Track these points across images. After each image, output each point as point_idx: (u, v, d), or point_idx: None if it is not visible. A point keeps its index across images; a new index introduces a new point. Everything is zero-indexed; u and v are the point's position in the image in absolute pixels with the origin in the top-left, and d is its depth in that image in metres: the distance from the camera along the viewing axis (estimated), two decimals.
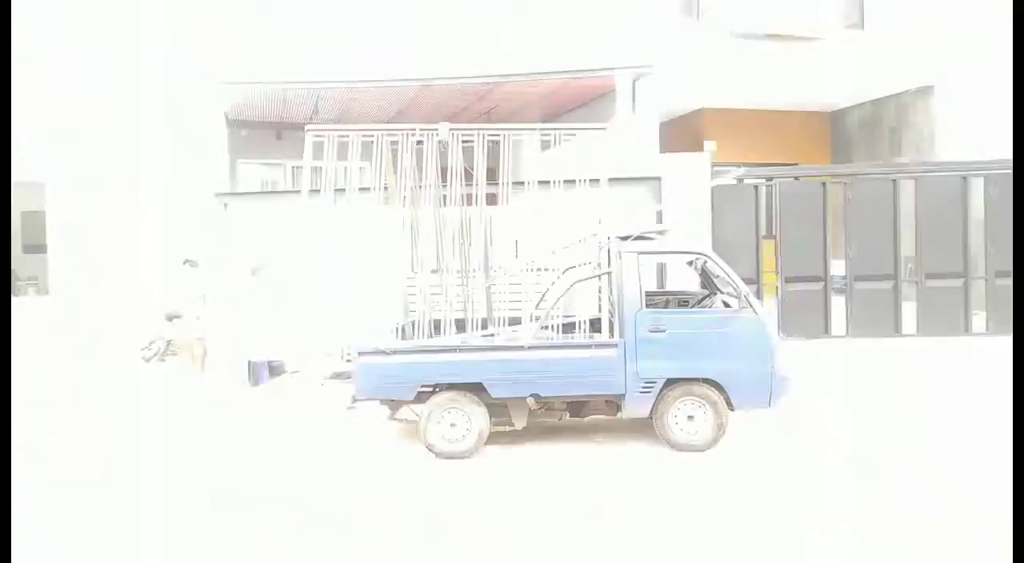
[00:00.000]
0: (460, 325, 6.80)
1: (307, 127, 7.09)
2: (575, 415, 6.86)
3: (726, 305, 6.78)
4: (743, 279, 6.73)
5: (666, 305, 7.37)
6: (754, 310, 6.47)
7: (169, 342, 11.12)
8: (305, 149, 6.97)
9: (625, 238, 6.71)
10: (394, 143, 6.93)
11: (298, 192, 7.15)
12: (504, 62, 14.21)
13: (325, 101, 12.35)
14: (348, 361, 6.62)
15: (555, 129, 7.08)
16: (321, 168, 6.81)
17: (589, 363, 6.41)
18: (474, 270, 7.43)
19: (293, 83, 11.67)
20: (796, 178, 12.16)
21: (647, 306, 6.55)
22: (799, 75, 13.55)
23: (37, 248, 14.57)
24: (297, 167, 14.11)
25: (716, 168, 10.73)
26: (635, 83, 12.28)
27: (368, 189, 6.99)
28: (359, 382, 6.53)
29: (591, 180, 6.89)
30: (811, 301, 10.93)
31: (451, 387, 6.50)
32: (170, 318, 11.25)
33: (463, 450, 6.38)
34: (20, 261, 14.48)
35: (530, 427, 6.68)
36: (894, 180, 11.17)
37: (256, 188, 14.61)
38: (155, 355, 11.02)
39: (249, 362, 9.51)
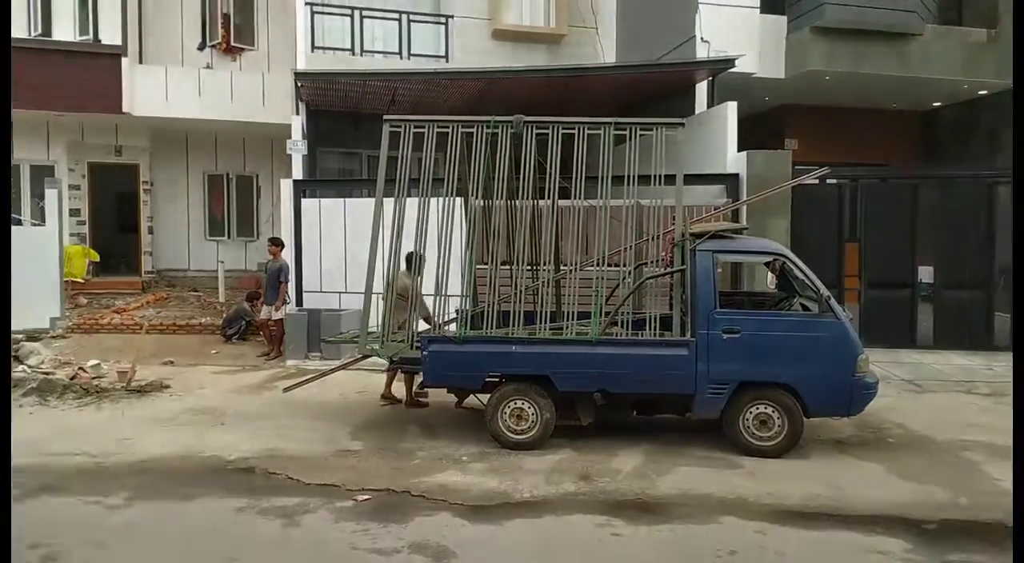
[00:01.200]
0: (529, 317, 6.79)
1: (384, 117, 7.20)
2: (643, 413, 6.76)
3: (805, 308, 6.55)
4: (823, 283, 6.48)
5: (741, 306, 7.17)
6: (835, 314, 6.23)
7: (248, 322, 11.54)
8: (383, 139, 7.07)
9: (701, 236, 6.56)
10: (468, 134, 6.96)
11: (373, 181, 7.27)
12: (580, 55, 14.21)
13: (403, 92, 12.50)
14: (417, 348, 6.69)
15: (631, 123, 6.96)
16: (396, 157, 6.90)
17: (659, 361, 6.30)
18: (544, 263, 7.40)
19: (372, 74, 11.86)
20: (883, 179, 11.65)
21: (721, 306, 6.39)
22: (888, 72, 12.96)
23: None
24: (373, 156, 14.40)
25: (798, 167, 10.37)
26: (716, 78, 11.99)
27: (442, 179, 7.04)
28: (427, 369, 6.62)
29: (667, 176, 6.75)
30: (896, 308, 10.46)
31: (518, 378, 6.51)
32: (251, 298, 11.67)
33: (528, 441, 6.37)
34: None
35: (597, 423, 6.62)
36: (990, 184, 10.56)
37: (333, 176, 15.01)
38: (236, 333, 11.44)
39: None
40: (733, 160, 10.70)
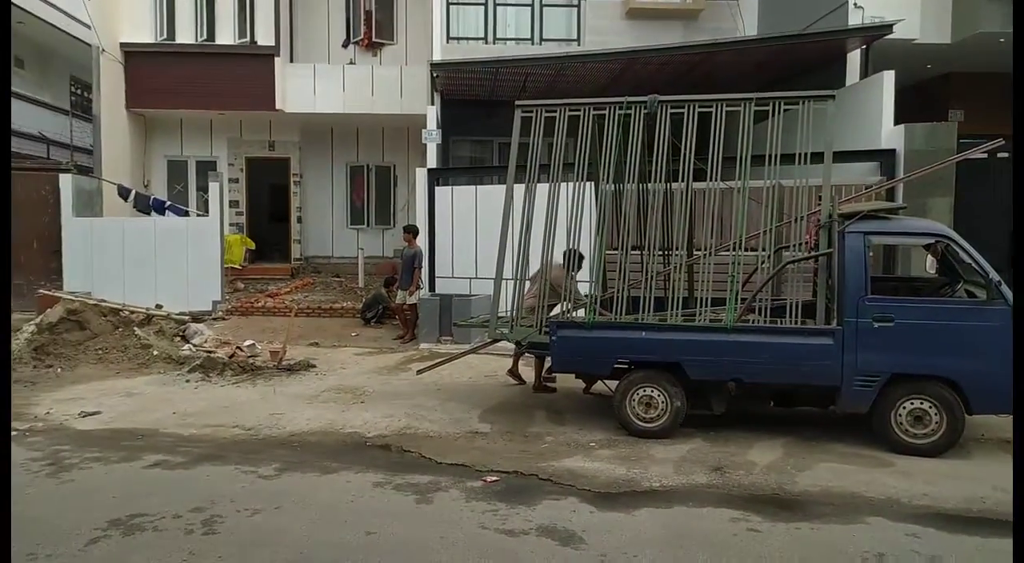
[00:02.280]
0: (660, 304, 6.60)
1: (516, 103, 7.22)
2: (781, 405, 6.41)
3: (970, 295, 5.93)
4: (992, 267, 5.82)
5: (895, 292, 6.60)
6: (1006, 301, 5.59)
7: (385, 307, 12.07)
8: (514, 125, 7.10)
9: (851, 217, 6.08)
10: (600, 117, 6.83)
11: (505, 167, 7.32)
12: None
13: (533, 78, 12.51)
14: (545, 333, 6.69)
15: (774, 97, 6.55)
16: (527, 144, 6.91)
17: (800, 350, 5.94)
18: (677, 248, 7.17)
19: (504, 61, 11.96)
20: None
21: (873, 292, 5.91)
22: None
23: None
24: (504, 144, 14.57)
25: (963, 140, 9.38)
26: (870, 46, 11.07)
27: (572, 164, 6.97)
28: (555, 355, 6.61)
29: (814, 154, 6.31)
30: None
31: (647, 365, 6.36)
32: (388, 284, 12.20)
33: (657, 429, 6.22)
34: None
35: (730, 413, 6.35)
36: None
37: (465, 164, 15.34)
38: (374, 316, 12.01)
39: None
40: (889, 134, 9.85)
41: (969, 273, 6.04)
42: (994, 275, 5.68)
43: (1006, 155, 9.79)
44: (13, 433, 6.41)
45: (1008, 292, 5.68)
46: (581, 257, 7.00)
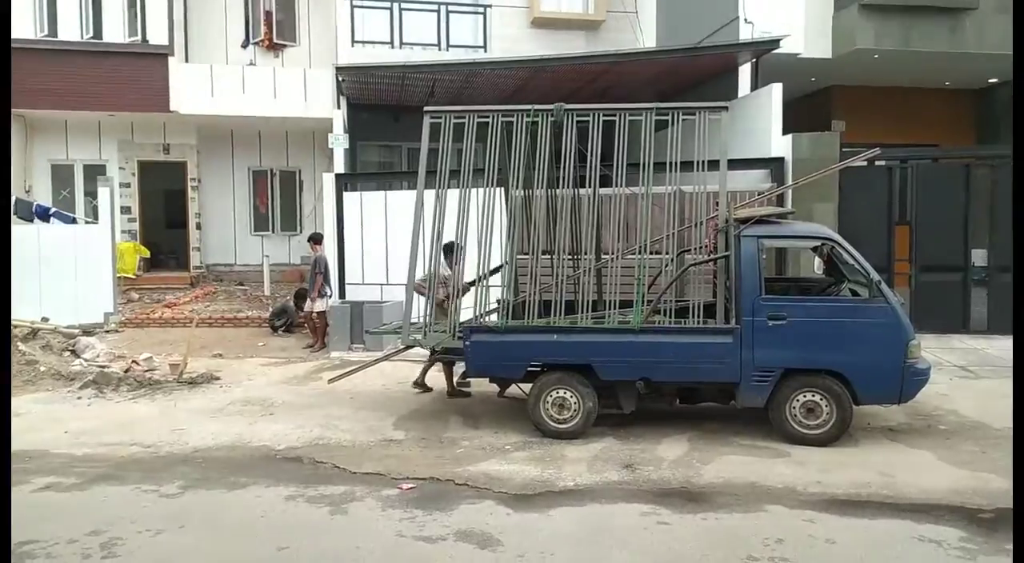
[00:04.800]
0: (570, 307, 6.76)
1: (425, 109, 7.22)
2: (686, 401, 6.69)
3: (854, 293, 6.39)
4: (873, 267, 6.30)
5: (787, 292, 7.02)
6: (886, 299, 6.07)
7: (291, 317, 11.75)
8: (423, 130, 7.10)
9: (745, 221, 6.43)
10: (509, 124, 6.94)
11: (414, 173, 7.31)
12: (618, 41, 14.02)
13: (442, 83, 12.54)
14: (460, 338, 6.72)
15: (673, 108, 6.85)
16: (437, 149, 6.93)
17: (702, 349, 6.22)
18: (585, 252, 7.36)
19: (411, 66, 11.93)
20: (935, 160, 11.27)
21: (767, 293, 6.27)
22: (940, 49, 12.49)
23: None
24: (413, 149, 14.50)
25: (846, 149, 10.10)
26: (760, 60, 11.73)
27: (482, 170, 7.04)
28: (470, 359, 6.66)
29: (710, 161, 6.63)
30: (949, 292, 10.13)
31: (560, 368, 6.49)
32: (300, 296, 11.88)
33: (570, 430, 6.36)
34: None
35: (639, 411, 6.58)
36: None
37: (373, 169, 15.16)
38: (282, 325, 11.67)
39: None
40: (778, 144, 10.48)
41: (852, 273, 6.50)
42: (875, 275, 6.14)
43: (883, 163, 10.58)
44: None
45: (888, 291, 6.16)
46: (461, 249, 7.06)
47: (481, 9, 14.69)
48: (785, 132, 10.50)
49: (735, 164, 9.02)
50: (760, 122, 10.86)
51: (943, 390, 7.54)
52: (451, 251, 7.33)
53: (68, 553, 4.23)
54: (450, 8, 14.57)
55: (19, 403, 7.80)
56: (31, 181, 15.30)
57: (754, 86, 11.84)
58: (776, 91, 10.66)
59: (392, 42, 14.32)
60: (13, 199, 12.51)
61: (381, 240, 11.00)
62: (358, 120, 13.89)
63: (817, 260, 7.39)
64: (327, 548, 4.31)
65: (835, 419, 6.07)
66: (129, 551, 4.26)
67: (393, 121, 14.36)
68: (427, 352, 7.37)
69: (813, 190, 9.43)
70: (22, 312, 10.48)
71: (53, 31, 15.09)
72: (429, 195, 7.01)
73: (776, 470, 5.58)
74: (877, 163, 10.41)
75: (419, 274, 7.17)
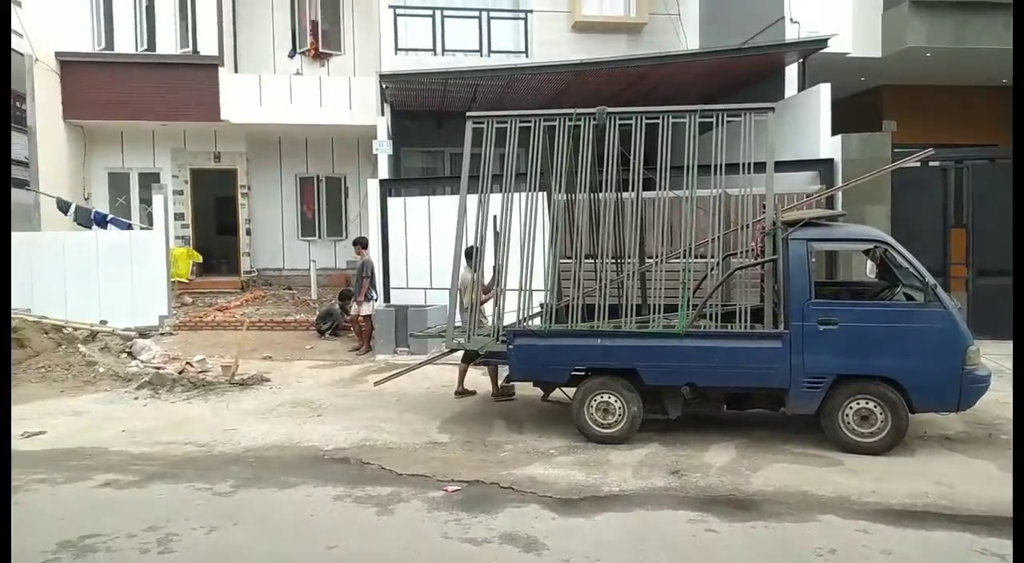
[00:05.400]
0: (614, 311, 6.73)
1: (467, 114, 7.28)
2: (734, 408, 6.59)
3: (909, 298, 6.22)
4: (928, 271, 6.12)
5: (837, 296, 6.86)
6: (942, 304, 5.89)
7: (337, 320, 11.94)
8: (466, 136, 7.16)
9: (793, 224, 6.32)
10: (551, 128, 6.95)
11: (457, 178, 7.36)
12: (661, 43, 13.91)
13: (484, 89, 12.61)
14: (503, 342, 6.74)
15: (718, 110, 6.77)
16: (479, 154, 6.98)
17: (750, 354, 6.12)
18: (629, 256, 7.32)
19: (453, 73, 12.03)
20: (992, 160, 10.90)
21: (817, 297, 6.14)
22: (995, 45, 12.07)
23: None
24: (455, 154, 14.62)
25: (897, 149, 9.84)
26: (806, 60, 11.51)
27: (524, 175, 7.06)
28: (513, 363, 6.66)
29: (756, 164, 6.54)
30: (1009, 297, 9.74)
31: (604, 372, 6.46)
32: (343, 297, 12.08)
33: (615, 435, 6.32)
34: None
35: (685, 417, 6.50)
36: None
37: (417, 175, 15.32)
38: (329, 328, 11.88)
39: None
40: (827, 145, 10.27)
41: (907, 277, 6.32)
42: (930, 278, 5.97)
43: (937, 164, 10.29)
44: None
45: (944, 295, 5.98)
46: (479, 252, 7.09)
47: (522, 15, 14.73)
48: (834, 133, 10.29)
49: (782, 166, 8.87)
50: (808, 123, 10.66)
51: (1004, 398, 7.26)
52: (470, 256, 7.37)
53: (127, 547, 4.37)
54: (491, 14, 14.64)
55: (79, 403, 8.10)
56: (89, 189, 15.86)
57: (801, 87, 11.63)
58: (824, 91, 10.46)
59: (435, 49, 14.45)
60: (73, 206, 13.00)
61: (425, 245, 11.10)
62: (401, 127, 14.07)
63: (869, 264, 7.20)
64: (375, 548, 4.37)
65: (890, 427, 5.90)
66: (184, 547, 4.38)
67: (436, 127, 14.50)
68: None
69: (864, 192, 9.22)
70: (81, 315, 10.89)
71: (110, 44, 15.64)
72: (472, 200, 7.06)
73: (829, 479, 5.45)
74: (931, 164, 10.12)
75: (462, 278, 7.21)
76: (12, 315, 10.00)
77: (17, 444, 6.57)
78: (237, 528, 4.67)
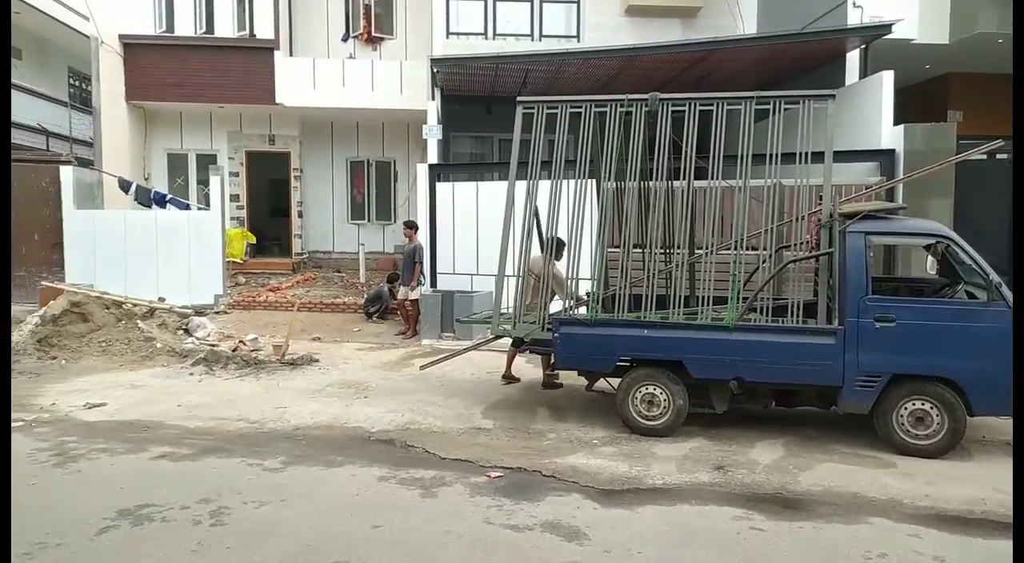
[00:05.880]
0: (661, 302, 6.65)
1: (518, 99, 7.24)
2: (783, 404, 6.46)
3: (971, 296, 5.98)
4: (993, 268, 5.87)
5: (896, 292, 6.65)
6: (1007, 303, 5.65)
7: (386, 305, 12.10)
8: (516, 121, 7.13)
9: (851, 216, 6.13)
10: (601, 114, 6.87)
11: (506, 164, 7.34)
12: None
13: (534, 74, 12.54)
14: (549, 330, 6.73)
15: (775, 97, 6.58)
16: (528, 140, 6.94)
17: (801, 349, 5.98)
18: (678, 246, 7.21)
19: (504, 57, 11.98)
20: None
21: (874, 293, 5.96)
22: None
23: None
24: (504, 140, 14.58)
25: (962, 141, 9.45)
26: (869, 46, 11.11)
27: (573, 161, 7.00)
28: (558, 352, 6.65)
29: (814, 153, 6.35)
30: None
31: (649, 363, 6.41)
32: (391, 280, 12.23)
33: (659, 427, 6.27)
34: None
35: (731, 412, 6.41)
36: None
37: (466, 160, 15.36)
38: (376, 311, 12.05)
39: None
40: (889, 135, 9.91)
41: (969, 274, 6.09)
42: (994, 276, 5.73)
43: (1005, 156, 9.86)
44: (19, 423, 6.44)
45: (1008, 293, 5.73)
46: (561, 243, 7.04)
47: None
48: (896, 122, 9.93)
49: (841, 156, 8.62)
50: (869, 112, 10.31)
51: None
52: (550, 246, 7.30)
53: (181, 518, 4.52)
54: None
55: (138, 376, 8.40)
56: (149, 169, 16.35)
57: (863, 74, 11.23)
58: (887, 79, 10.08)
59: (486, 33, 14.42)
60: (134, 186, 13.42)
61: (472, 230, 11.13)
62: (451, 111, 14.09)
63: (930, 259, 6.95)
64: (418, 529, 4.43)
65: (946, 429, 5.72)
66: (235, 520, 4.52)
67: (485, 112, 14.48)
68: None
69: (927, 185, 8.89)
70: (141, 292, 11.26)
71: (171, 27, 16.01)
72: (520, 186, 7.04)
73: (880, 481, 5.31)
74: (998, 157, 9.70)
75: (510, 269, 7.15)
76: (77, 289, 10.41)
77: (80, 414, 6.87)
78: (285, 504, 4.79)
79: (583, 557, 4.10)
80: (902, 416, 5.82)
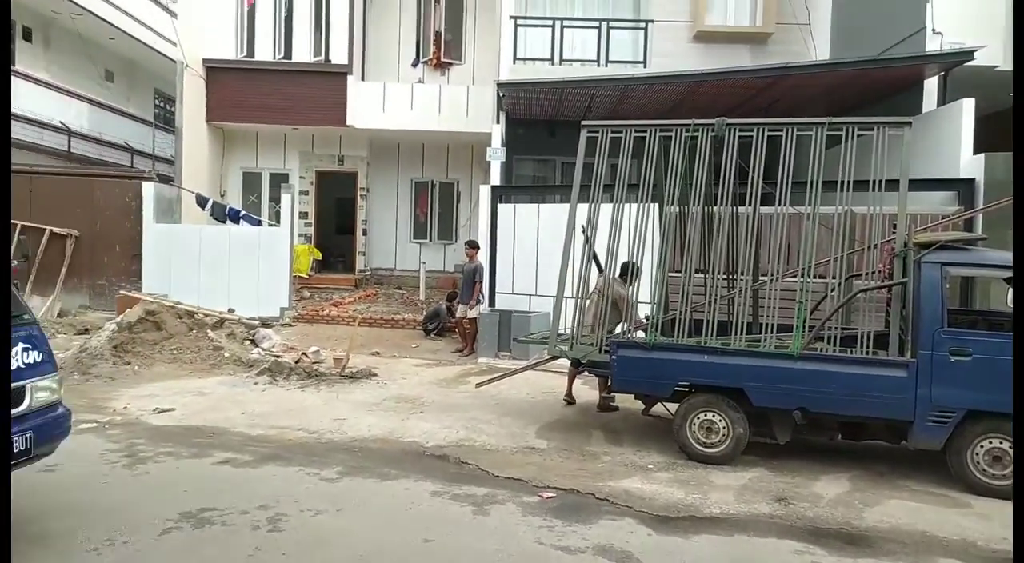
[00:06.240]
0: (722, 329, 6.52)
1: (583, 123, 7.29)
2: (849, 437, 6.23)
3: None
4: None
5: (973, 325, 6.35)
6: None
7: (444, 324, 12.24)
8: (580, 144, 7.16)
9: (928, 246, 5.91)
10: (667, 138, 6.84)
11: (568, 186, 7.37)
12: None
13: (599, 98, 12.59)
14: (607, 352, 6.68)
15: (848, 122, 6.44)
16: (593, 164, 6.96)
17: (871, 381, 5.77)
18: (741, 273, 7.07)
19: (569, 82, 12.08)
20: None
21: (950, 325, 5.71)
22: None
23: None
24: (567, 163, 14.65)
25: None
26: (948, 73, 10.76)
27: (636, 185, 6.98)
28: (616, 374, 6.59)
29: (888, 181, 6.16)
30: None
31: (709, 390, 6.28)
32: (450, 298, 12.36)
33: (717, 455, 6.12)
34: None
35: (794, 443, 6.20)
36: None
37: (528, 183, 15.47)
38: (435, 329, 12.19)
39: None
40: (968, 163, 9.54)
41: None
42: None
43: None
44: (93, 425, 6.74)
45: None
46: (638, 270, 7.01)
47: (643, 24, 14.60)
48: (976, 151, 9.54)
49: (917, 184, 8.31)
50: (947, 140, 9.95)
51: None
52: (626, 271, 7.32)
53: (240, 523, 4.63)
54: (611, 24, 14.60)
55: (206, 384, 8.70)
56: (225, 186, 17.05)
57: (941, 101, 10.86)
58: (968, 106, 9.73)
59: (552, 58, 14.57)
60: (210, 202, 14.01)
61: (532, 251, 11.19)
62: (515, 135, 14.26)
63: (1010, 293, 6.61)
64: (469, 545, 4.43)
65: None
66: (292, 527, 4.60)
67: (549, 136, 14.59)
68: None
69: (1008, 216, 8.46)
70: (212, 303, 11.69)
71: (251, 52, 16.78)
72: (582, 209, 7.05)
73: (952, 520, 5.05)
74: None
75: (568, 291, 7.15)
76: (152, 298, 10.89)
77: (150, 418, 7.15)
78: (341, 513, 4.86)
79: None
80: (977, 454, 5.54)
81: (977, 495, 5.50)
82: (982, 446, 5.53)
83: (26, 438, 4.13)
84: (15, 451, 4.04)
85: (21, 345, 4.23)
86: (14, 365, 4.12)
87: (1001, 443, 5.48)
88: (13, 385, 4.07)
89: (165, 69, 17.57)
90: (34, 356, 4.31)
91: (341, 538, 4.47)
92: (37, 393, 4.29)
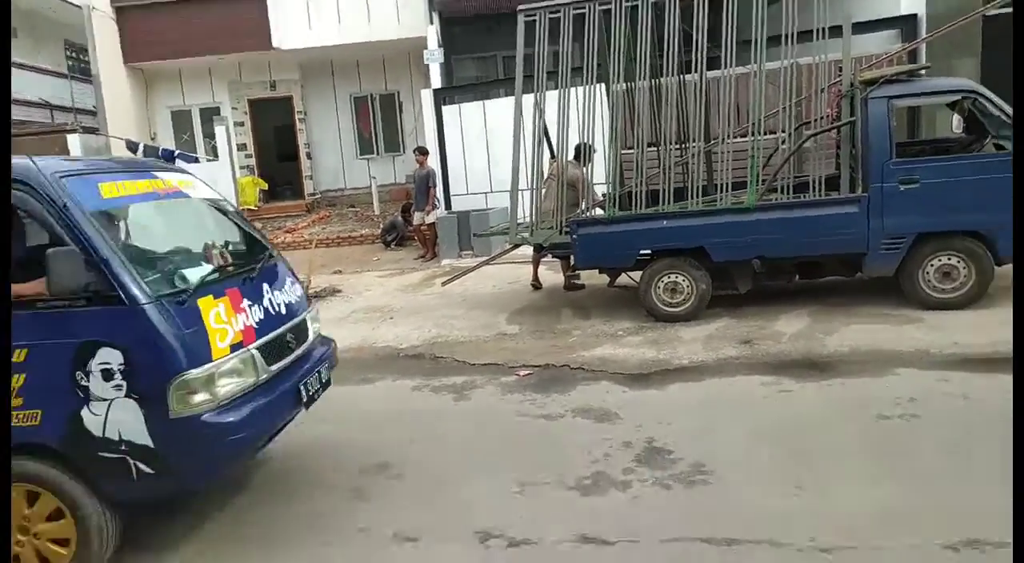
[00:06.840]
0: (679, 196, 6.54)
1: (519, 7, 6.98)
2: (807, 277, 6.41)
3: (999, 148, 5.77)
4: None
5: (922, 154, 6.44)
6: None
7: (401, 231, 12.14)
8: (518, 30, 6.90)
9: (872, 83, 5.90)
10: (606, 12, 6.60)
11: (511, 80, 7.16)
12: None
13: None
14: (567, 233, 6.67)
15: None
16: (533, 54, 6.73)
17: (825, 221, 5.89)
18: (693, 140, 7.03)
19: None
20: None
21: (898, 156, 5.79)
22: None
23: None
24: (508, 57, 14.20)
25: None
26: None
27: (580, 69, 6.79)
28: (578, 252, 6.62)
29: (831, 28, 6.06)
30: None
31: (670, 253, 6.35)
32: (405, 210, 12.21)
33: (683, 313, 6.27)
34: None
35: (755, 291, 6.36)
36: None
37: (470, 83, 15.02)
38: (394, 240, 12.11)
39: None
40: (909, 0, 9.43)
41: (998, 127, 5.82)
42: None
43: None
44: None
45: None
46: (592, 149, 6.94)
47: None
48: None
49: (860, 27, 8.24)
50: None
51: None
52: (579, 153, 7.23)
53: None
54: None
55: None
56: (155, 128, 16.32)
57: None
58: None
59: None
60: (141, 146, 13.38)
61: (482, 149, 11.00)
62: (452, 34, 13.73)
63: (955, 118, 6.64)
64: (454, 429, 4.51)
65: (974, 281, 5.67)
66: (278, 439, 4.61)
67: (486, 32, 14.06)
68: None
69: (952, 46, 8.48)
70: None
71: None
72: (528, 99, 6.87)
73: (907, 335, 5.29)
74: None
75: (523, 181, 7.06)
76: None
77: None
78: (329, 418, 4.84)
79: (615, 432, 4.15)
80: (928, 273, 5.77)
81: (930, 309, 5.75)
82: (932, 265, 5.74)
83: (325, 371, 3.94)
84: (322, 383, 3.85)
85: (288, 280, 3.92)
86: (289, 299, 3.78)
87: (950, 259, 5.70)
88: (295, 320, 3.72)
89: (71, 16, 16.33)
90: (299, 289, 4.02)
91: (325, 444, 4.47)
92: (313, 324, 4.03)
